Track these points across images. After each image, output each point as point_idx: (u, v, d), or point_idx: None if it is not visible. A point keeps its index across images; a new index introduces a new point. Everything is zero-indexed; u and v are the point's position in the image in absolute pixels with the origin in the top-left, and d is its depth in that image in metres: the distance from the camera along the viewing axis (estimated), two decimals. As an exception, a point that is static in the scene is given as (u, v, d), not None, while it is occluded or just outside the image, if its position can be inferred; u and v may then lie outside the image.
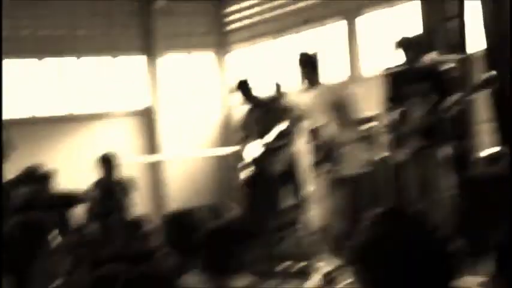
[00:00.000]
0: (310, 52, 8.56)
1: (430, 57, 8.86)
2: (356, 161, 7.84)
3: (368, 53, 13.84)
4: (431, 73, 8.43)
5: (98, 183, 11.04)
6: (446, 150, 8.29)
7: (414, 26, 11.18)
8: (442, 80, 8.42)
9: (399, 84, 8.50)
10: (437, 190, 8.27)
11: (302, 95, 8.37)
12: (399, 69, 8.75)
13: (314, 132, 7.66)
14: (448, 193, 8.24)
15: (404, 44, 8.58)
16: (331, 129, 7.57)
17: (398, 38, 8.64)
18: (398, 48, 8.51)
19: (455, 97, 8.10)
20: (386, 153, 9.90)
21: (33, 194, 9.84)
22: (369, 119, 10.63)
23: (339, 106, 7.87)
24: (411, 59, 8.43)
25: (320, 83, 8.13)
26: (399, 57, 8.74)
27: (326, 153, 7.65)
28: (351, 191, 7.91)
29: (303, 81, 8.31)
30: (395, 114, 8.39)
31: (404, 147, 8.37)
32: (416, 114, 8.25)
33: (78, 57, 15.58)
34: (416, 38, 8.82)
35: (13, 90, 14.66)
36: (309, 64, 8.18)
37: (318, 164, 7.78)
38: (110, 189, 10.97)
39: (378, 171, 10.00)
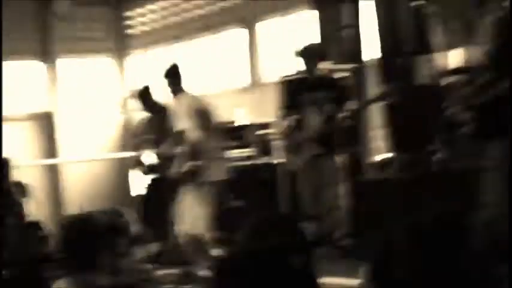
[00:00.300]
0: (172, 64, 8.68)
1: (326, 66, 9.04)
2: (220, 167, 7.95)
3: (266, 60, 13.95)
4: (327, 82, 8.61)
5: None
6: (341, 158, 8.49)
7: (311, 34, 11.35)
8: (337, 89, 8.61)
9: (295, 93, 8.65)
10: (332, 196, 8.44)
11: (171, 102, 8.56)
12: (296, 77, 8.91)
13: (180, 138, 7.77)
14: (341, 198, 8.43)
15: (303, 53, 8.72)
16: (195, 136, 7.68)
17: (298, 47, 8.78)
18: (297, 57, 8.65)
19: (350, 106, 8.30)
20: (281, 160, 10.09)
21: None
22: (264, 126, 10.80)
23: (201, 114, 8.03)
24: (309, 68, 8.58)
25: (184, 92, 8.24)
26: (297, 65, 8.88)
27: (191, 159, 7.73)
28: (215, 197, 8.02)
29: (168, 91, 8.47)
30: (291, 121, 8.54)
31: (300, 154, 8.51)
32: (312, 123, 8.41)
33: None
34: (314, 47, 8.98)
35: None
36: (172, 74, 8.27)
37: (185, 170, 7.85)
38: (5, 193, 10.78)
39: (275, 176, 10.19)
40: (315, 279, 2.56)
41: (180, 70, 8.52)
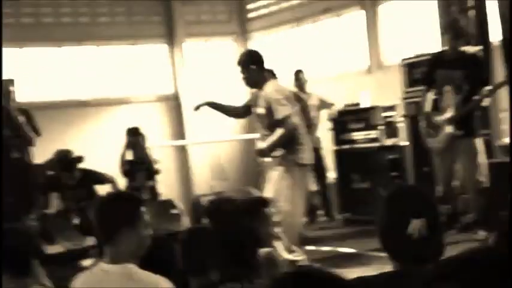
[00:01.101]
0: (252, 51, 8.15)
1: (466, 46, 8.85)
2: (311, 151, 7.76)
3: (388, 42, 13.77)
4: (466, 61, 8.39)
5: (126, 162, 11.05)
6: (477, 139, 8.34)
7: (432, 17, 11.16)
8: (476, 70, 8.40)
9: (433, 69, 8.48)
10: (469, 178, 8.29)
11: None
12: (435, 54, 8.73)
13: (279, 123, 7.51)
14: (477, 179, 8.29)
15: (450, 28, 8.53)
16: (294, 121, 7.50)
17: (446, 22, 8.60)
18: (444, 32, 8.47)
19: (486, 88, 8.11)
20: (407, 142, 9.95)
21: (64, 175, 9.93)
22: (389, 107, 10.66)
23: (295, 101, 7.78)
24: (451, 45, 8.37)
25: (269, 81, 7.68)
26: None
27: (289, 141, 7.57)
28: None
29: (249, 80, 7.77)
30: (430, 101, 8.40)
31: (439, 135, 8.36)
32: (450, 102, 8.23)
33: (98, 45, 15.57)
34: (457, 24, 8.79)
35: (40, 77, 14.75)
36: (260, 62, 7.71)
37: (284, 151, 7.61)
38: (138, 167, 11.01)
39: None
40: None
41: (262, 58, 7.78)
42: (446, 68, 8.29)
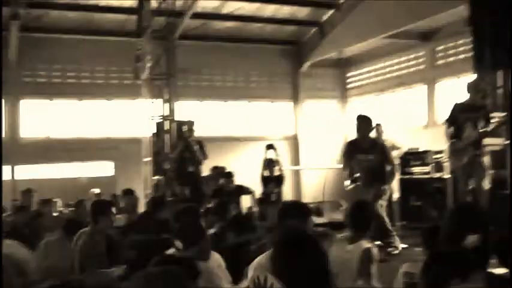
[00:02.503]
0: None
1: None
2: None
3: (440, 108, 13.68)
4: (480, 107, 8.18)
5: (263, 179, 11.28)
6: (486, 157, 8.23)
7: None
8: (485, 111, 8.15)
9: (459, 113, 8.18)
10: (482, 184, 8.05)
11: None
12: (461, 104, 8.32)
13: None
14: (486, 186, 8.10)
15: (470, 88, 8.26)
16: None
17: (469, 82, 8.38)
18: (468, 91, 8.24)
19: (494, 122, 8.03)
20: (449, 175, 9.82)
21: (221, 185, 10.33)
22: (438, 152, 10.72)
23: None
24: (472, 98, 8.15)
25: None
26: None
27: None
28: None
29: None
30: (452, 132, 8.24)
31: (461, 156, 8.14)
32: (469, 134, 8.04)
33: (250, 101, 16.29)
34: (476, 84, 8.62)
35: (209, 119, 15.50)
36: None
37: None
38: (270, 179, 11.20)
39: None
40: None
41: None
42: (467, 112, 8.13)
